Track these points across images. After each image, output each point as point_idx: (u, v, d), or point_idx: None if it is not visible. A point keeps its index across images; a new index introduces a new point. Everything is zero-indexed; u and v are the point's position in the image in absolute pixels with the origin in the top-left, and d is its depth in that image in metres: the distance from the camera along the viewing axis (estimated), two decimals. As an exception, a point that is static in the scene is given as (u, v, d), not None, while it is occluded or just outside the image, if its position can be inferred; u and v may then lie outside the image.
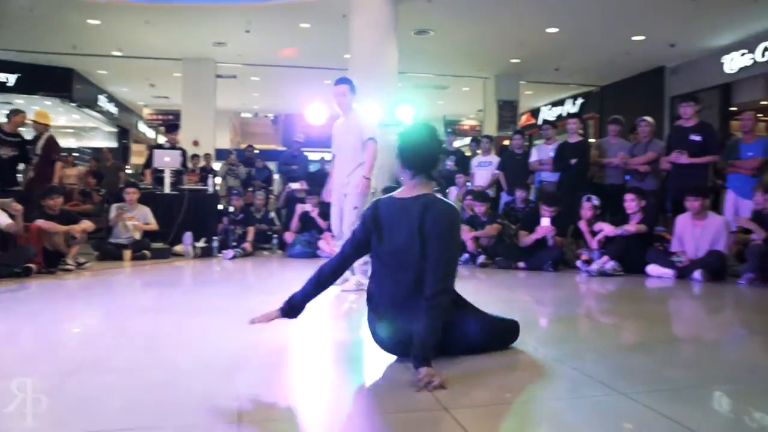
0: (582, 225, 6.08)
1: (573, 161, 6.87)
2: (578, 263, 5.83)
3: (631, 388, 2.11)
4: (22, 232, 5.48)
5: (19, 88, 13.17)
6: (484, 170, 8.02)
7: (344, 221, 4.73)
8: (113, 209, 7.14)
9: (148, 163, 8.54)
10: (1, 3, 9.28)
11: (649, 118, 6.91)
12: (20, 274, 5.24)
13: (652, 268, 5.52)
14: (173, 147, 8.59)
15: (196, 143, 12.37)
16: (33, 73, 13.11)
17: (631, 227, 5.64)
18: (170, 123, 10.82)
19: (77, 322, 3.65)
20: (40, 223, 5.70)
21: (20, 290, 4.71)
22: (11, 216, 5.41)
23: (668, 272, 5.36)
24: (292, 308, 2.51)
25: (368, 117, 5.11)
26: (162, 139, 14.26)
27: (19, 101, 14.39)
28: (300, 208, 7.86)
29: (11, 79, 12.97)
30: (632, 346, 3.01)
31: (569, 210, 6.50)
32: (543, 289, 4.97)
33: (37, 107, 15.39)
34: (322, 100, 10.00)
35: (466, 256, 6.61)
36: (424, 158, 2.51)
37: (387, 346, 2.50)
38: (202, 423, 1.82)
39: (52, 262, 5.72)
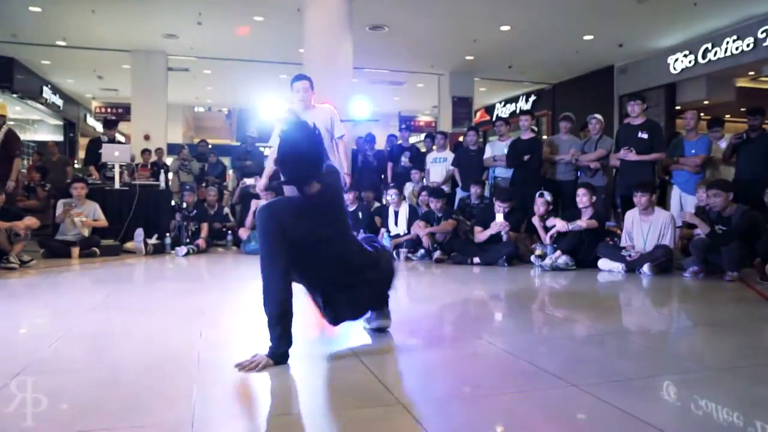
0: (535, 220, 6.20)
1: (526, 157, 6.97)
2: (532, 258, 5.93)
3: (583, 380, 2.15)
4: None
5: (-45, 77, 12.57)
6: (439, 166, 8.08)
7: None
8: (60, 205, 6.88)
9: (91, 158, 8.28)
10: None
11: (599, 116, 7.08)
12: (-41, 273, 5.02)
13: (603, 263, 5.67)
14: (112, 142, 8.36)
15: (147, 137, 12.07)
16: (-29, 63, 12.53)
17: (583, 222, 5.77)
18: (108, 119, 10.49)
19: (21, 322, 3.51)
20: (-19, 219, 5.47)
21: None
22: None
23: (618, 266, 5.51)
24: (284, 355, 2.39)
25: (335, 113, 5.03)
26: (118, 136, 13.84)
27: (-45, 91, 13.76)
28: (255, 204, 7.74)
29: (-54, 68, 12.36)
30: (584, 338, 3.08)
31: (522, 206, 6.61)
32: (497, 284, 5.04)
33: (-23, 98, 14.80)
34: (277, 94, 9.93)
35: (422, 251, 6.65)
36: (306, 174, 2.40)
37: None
38: (150, 424, 1.77)
39: (-6, 260, 5.49)
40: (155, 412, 1.88)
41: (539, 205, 6.20)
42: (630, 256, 5.48)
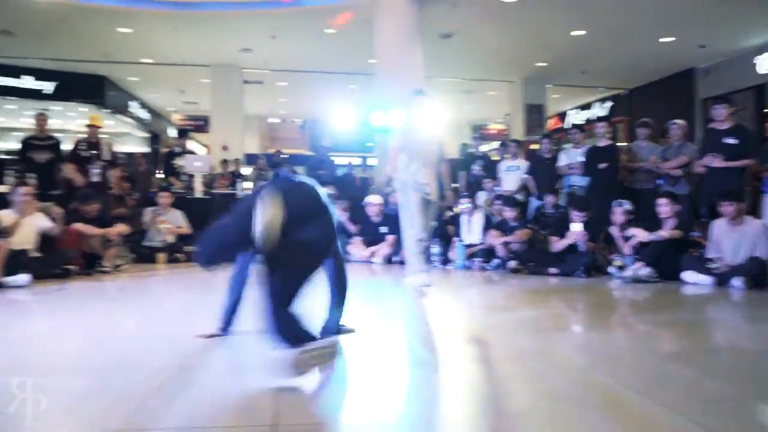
0: (614, 230, 5.99)
1: (603, 165, 6.78)
2: (611, 269, 5.73)
3: (669, 398, 2.06)
4: (62, 234, 5.62)
5: (56, 96, 13.48)
6: (512, 174, 7.95)
7: None
8: (147, 213, 7.27)
9: (167, 169, 8.65)
10: (39, 15, 9.49)
11: (680, 121, 6.79)
12: (60, 275, 5.39)
13: (689, 275, 5.39)
14: (184, 152, 8.69)
15: (225, 148, 12.51)
16: (69, 81, 13.41)
17: (665, 233, 5.53)
18: (180, 129, 11.00)
19: (116, 323, 3.71)
20: (78, 226, 5.85)
21: (61, 291, 4.82)
22: (52, 219, 5.56)
23: (706, 279, 5.23)
24: None
25: None
26: (193, 144, 14.44)
27: (57, 108, 14.73)
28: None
29: (49, 87, 13.28)
30: (669, 355, 2.95)
31: (600, 215, 6.41)
32: (575, 295, 4.90)
33: (73, 114, 15.83)
34: (347, 104, 10.08)
35: (496, 261, 6.56)
36: None
37: None
38: (230, 425, 1.83)
39: (90, 264, 5.86)
40: (238, 412, 1.94)
41: (618, 215, 5.99)
42: (717, 268, 5.21)
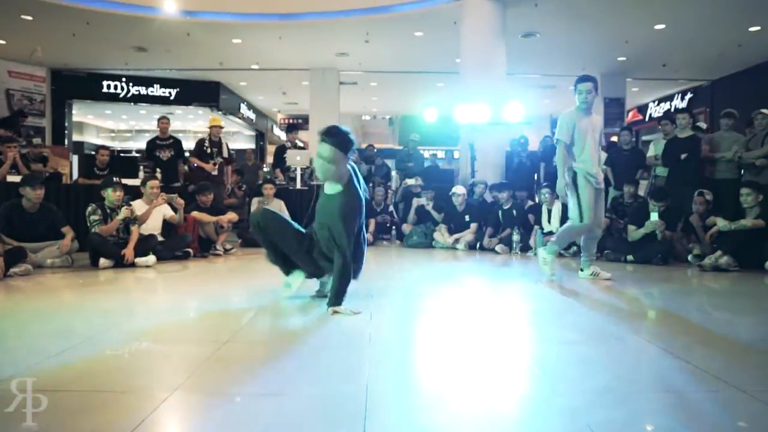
0: (694, 219, 5.63)
1: (683, 156, 6.36)
2: (690, 258, 5.40)
3: (748, 384, 1.92)
4: (183, 222, 5.98)
5: (177, 101, 14.35)
6: (592, 166, 7.62)
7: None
8: (254, 202, 7.58)
9: (277, 162, 8.95)
10: (167, 32, 10.12)
11: (766, 111, 6.25)
12: (180, 257, 5.75)
13: (772, 264, 5.00)
14: (294, 146, 8.93)
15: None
16: (188, 88, 14.21)
17: (748, 222, 5.13)
18: (290, 125, 11.32)
19: (227, 299, 3.92)
20: (195, 214, 6.19)
21: (181, 271, 5.14)
22: (174, 209, 5.93)
23: (788, 268, 4.82)
24: None
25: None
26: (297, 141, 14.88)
27: (178, 111, 15.72)
28: (416, 202, 7.92)
29: (172, 93, 14.14)
30: (749, 342, 2.74)
31: (679, 205, 6.04)
32: (653, 283, 4.65)
33: (192, 116, 16.75)
34: (434, 102, 10.03)
35: (574, 248, 6.35)
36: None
37: None
38: (326, 392, 1.89)
39: (205, 247, 6.20)
40: (332, 382, 2.00)
41: (698, 204, 5.63)
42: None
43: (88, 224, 5.15)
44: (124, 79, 13.73)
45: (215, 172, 7.69)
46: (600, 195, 4.55)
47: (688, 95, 14.27)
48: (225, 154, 7.84)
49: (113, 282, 4.44)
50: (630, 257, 5.76)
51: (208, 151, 7.65)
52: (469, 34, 8.55)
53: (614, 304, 3.75)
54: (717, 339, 2.77)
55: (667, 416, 1.73)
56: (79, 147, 16.18)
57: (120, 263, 5.01)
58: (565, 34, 10.23)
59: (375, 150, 11.51)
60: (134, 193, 6.00)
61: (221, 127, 8.05)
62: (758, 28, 9.58)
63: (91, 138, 19.59)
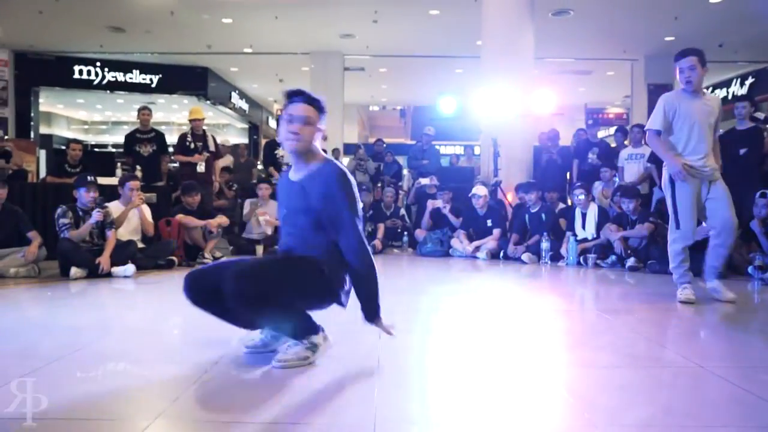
0: (755, 225, 5.58)
1: (742, 151, 6.32)
2: (750, 269, 5.35)
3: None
4: (151, 231, 5.97)
5: (160, 88, 14.48)
6: (635, 164, 7.59)
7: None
8: (247, 205, 7.61)
9: (268, 159, 8.95)
10: (146, 8, 10.19)
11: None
12: (163, 266, 5.78)
13: None
14: None
15: (324, 138, 12.81)
16: (172, 74, 14.34)
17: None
18: (280, 116, 11.35)
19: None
20: (180, 217, 6.23)
21: (163, 282, 5.17)
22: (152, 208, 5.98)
23: None
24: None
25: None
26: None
27: (161, 100, 15.84)
28: (431, 204, 7.91)
29: (154, 80, 14.25)
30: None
31: (738, 208, 5.99)
32: (705, 298, 4.61)
33: (176, 106, 16.87)
34: (452, 91, 10.02)
35: (613, 258, 6.32)
36: None
37: None
38: (331, 423, 1.89)
39: (191, 255, 6.25)
40: (336, 411, 2.00)
41: (761, 207, 5.58)
42: None
43: (58, 228, 5.19)
44: (98, 64, 13.84)
45: (201, 168, 7.67)
46: (716, 192, 4.24)
47: (749, 80, 14.17)
48: (212, 147, 7.84)
49: (86, 295, 4.47)
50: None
51: (192, 146, 7.66)
52: (492, 12, 8.55)
53: (660, 322, 3.73)
54: (781, 364, 2.74)
55: (722, 453, 1.72)
56: (47, 141, 16.34)
57: (94, 273, 5.05)
58: (604, 11, 10.21)
59: (384, 145, 11.55)
60: (112, 194, 6.03)
61: (203, 119, 7.99)
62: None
63: (61, 131, 19.78)
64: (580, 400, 2.11)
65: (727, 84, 14.89)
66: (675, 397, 2.24)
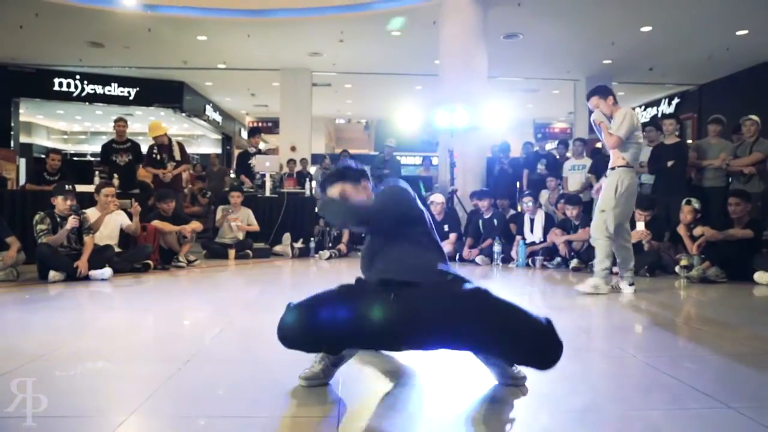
0: (681, 229, 5.75)
1: (670, 163, 6.51)
2: (677, 269, 5.51)
3: (738, 401, 1.97)
4: (138, 232, 5.90)
5: (137, 101, 14.20)
6: (578, 174, 7.76)
7: None
8: (219, 211, 7.52)
9: (241, 169, 8.81)
10: (126, 27, 10.01)
11: (754, 117, 6.44)
12: (140, 269, 5.67)
13: (760, 276, 5.12)
14: (258, 151, 8.83)
15: (293, 148, 12.78)
16: (149, 87, 14.08)
17: (736, 232, 5.26)
18: (251, 127, 11.23)
19: (189, 315, 3.87)
20: (156, 223, 6.12)
21: (140, 284, 5.06)
22: (130, 216, 5.85)
23: (778, 280, 4.96)
24: None
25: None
26: (263, 146, 14.79)
27: (138, 112, 15.55)
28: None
29: (132, 92, 13.97)
30: (738, 357, 2.81)
31: (665, 213, 6.17)
32: (639, 295, 4.73)
33: (153, 117, 16.60)
34: (412, 106, 10.09)
35: (558, 259, 6.44)
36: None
37: None
38: (296, 414, 1.88)
39: (166, 259, 6.13)
40: (303, 405, 1.99)
41: (686, 213, 5.75)
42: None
43: (36, 234, 5.05)
44: (78, 77, 13.52)
45: (167, 180, 7.45)
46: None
47: (676, 100, 14.63)
48: (177, 157, 7.63)
49: (64, 297, 4.35)
50: (615, 269, 5.84)
51: (158, 158, 7.50)
52: (448, 35, 8.64)
53: (599, 317, 3.81)
54: (705, 353, 2.83)
55: (652, 435, 1.76)
56: (27, 150, 15.89)
57: (72, 276, 4.92)
58: (549, 36, 10.42)
59: (350, 156, 11.51)
60: (89, 201, 5.90)
61: (163, 134, 7.58)
62: (746, 32, 9.90)
63: (42, 140, 19.24)
64: (527, 389, 2.13)
65: (656, 103, 15.33)
66: (611, 385, 2.29)
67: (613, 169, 4.66)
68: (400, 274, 2.11)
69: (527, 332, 2.03)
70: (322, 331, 2.06)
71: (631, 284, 4.72)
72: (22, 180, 9.18)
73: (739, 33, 9.98)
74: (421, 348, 2.18)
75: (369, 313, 2.01)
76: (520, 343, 2.02)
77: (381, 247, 2.27)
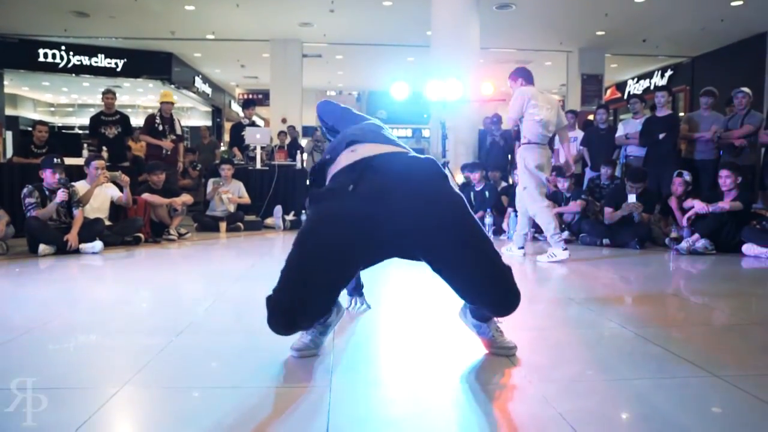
0: (672, 202, 5.78)
1: (661, 135, 6.52)
2: (667, 241, 5.56)
3: (723, 370, 2.00)
4: (130, 203, 5.86)
5: (125, 72, 13.94)
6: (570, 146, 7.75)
7: None
8: (210, 184, 7.47)
9: (234, 141, 8.79)
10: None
11: (746, 89, 6.43)
12: (131, 242, 5.66)
13: (748, 248, 5.17)
14: (252, 123, 8.76)
15: (284, 121, 12.67)
16: (137, 58, 13.82)
17: (726, 204, 5.29)
18: (246, 100, 11.12)
19: (181, 287, 3.87)
20: (146, 196, 6.08)
21: (131, 257, 5.05)
22: (120, 189, 5.81)
23: (766, 252, 5.01)
24: None
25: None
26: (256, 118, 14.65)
27: (126, 84, 15.30)
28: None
29: (119, 64, 13.74)
30: (724, 327, 2.85)
31: (656, 186, 6.20)
32: (628, 267, 4.78)
33: (141, 89, 16.35)
34: (404, 77, 9.99)
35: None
36: None
37: None
38: (286, 385, 1.90)
39: (157, 232, 6.11)
40: (293, 375, 2.01)
41: (677, 186, 5.77)
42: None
43: (24, 208, 5.01)
44: (63, 48, 13.23)
45: (168, 149, 7.50)
46: None
47: (668, 72, 14.57)
48: (178, 131, 7.68)
49: (55, 270, 4.34)
50: (606, 241, 5.89)
51: (160, 128, 7.48)
52: (441, 5, 8.53)
53: (589, 288, 3.85)
54: (693, 324, 2.87)
55: (640, 403, 1.79)
56: (13, 122, 15.64)
57: (63, 250, 4.90)
58: (542, 6, 10.30)
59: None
60: (78, 174, 5.84)
61: (173, 103, 7.84)
62: (740, 2, 9.80)
63: (28, 112, 18.95)
64: (517, 359, 2.16)
65: (649, 75, 15.26)
66: (599, 355, 2.32)
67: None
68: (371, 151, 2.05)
69: (494, 265, 1.97)
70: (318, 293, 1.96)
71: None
72: (9, 153, 9.06)
73: (734, 3, 9.90)
74: (401, 247, 2.00)
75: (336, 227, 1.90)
76: (487, 274, 1.96)
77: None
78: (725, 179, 5.40)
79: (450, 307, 3.01)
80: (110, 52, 13.58)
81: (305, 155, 10.48)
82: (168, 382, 1.94)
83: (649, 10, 10.34)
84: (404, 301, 3.42)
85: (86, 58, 13.48)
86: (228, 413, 1.66)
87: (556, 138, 7.91)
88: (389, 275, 3.97)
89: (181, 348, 2.28)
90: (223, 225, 7.08)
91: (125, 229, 5.70)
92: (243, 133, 8.44)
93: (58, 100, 20.56)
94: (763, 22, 10.84)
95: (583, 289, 3.85)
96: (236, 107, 20.36)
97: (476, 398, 1.83)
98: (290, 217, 7.56)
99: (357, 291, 2.91)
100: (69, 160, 5.83)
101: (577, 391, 1.88)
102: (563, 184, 6.47)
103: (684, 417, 1.68)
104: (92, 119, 7.52)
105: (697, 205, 5.44)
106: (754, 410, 1.71)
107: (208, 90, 17.39)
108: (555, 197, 6.54)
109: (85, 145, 7.75)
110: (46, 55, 13.20)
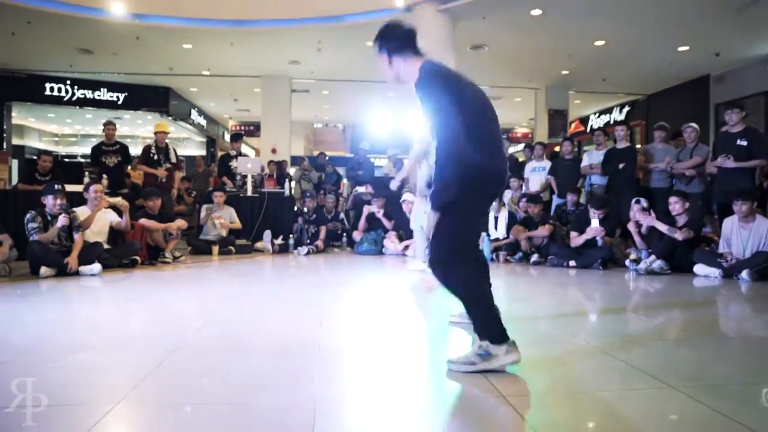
0: (631, 226, 5.87)
1: (621, 165, 6.64)
2: (627, 262, 5.63)
3: (679, 381, 2.02)
4: (129, 228, 5.79)
5: (126, 105, 13.88)
6: (538, 175, 7.85)
7: None
8: (204, 210, 7.42)
9: (222, 170, 8.70)
10: (114, 35, 9.81)
11: (694, 125, 6.59)
12: (128, 265, 5.57)
13: (699, 268, 5.26)
14: (239, 154, 8.71)
15: (274, 151, 12.68)
16: (137, 92, 13.78)
17: (679, 235, 5.38)
18: (234, 134, 11.11)
19: (175, 308, 3.81)
20: (143, 221, 6.01)
21: (128, 279, 4.97)
22: (119, 213, 5.74)
23: (715, 271, 5.10)
24: None
25: None
26: (245, 149, 14.60)
27: (127, 116, 15.24)
28: (366, 209, 7.91)
29: (121, 97, 13.68)
30: (679, 341, 2.88)
31: (617, 212, 6.29)
32: (593, 286, 4.82)
33: (141, 121, 16.26)
34: (386, 111, 10.08)
35: (520, 254, 6.51)
36: None
37: None
38: (277, 401, 1.87)
39: (153, 255, 6.03)
40: (281, 391, 1.97)
41: (635, 212, 5.86)
42: (727, 261, 5.05)
43: (27, 232, 4.92)
44: (68, 82, 13.18)
45: (163, 177, 7.43)
46: None
47: (626, 108, 14.88)
48: (173, 159, 7.62)
49: (55, 291, 4.25)
50: (572, 262, 5.94)
51: (155, 157, 7.42)
52: (418, 45, 8.65)
53: (556, 306, 3.86)
54: (652, 338, 2.89)
55: (604, 414, 1.80)
56: (19, 151, 15.44)
57: (63, 272, 4.81)
58: (512, 48, 10.51)
59: (327, 158, 11.47)
60: (79, 200, 5.77)
61: (167, 133, 7.76)
62: (686, 48, 10.12)
63: (33, 142, 18.73)
64: (491, 375, 2.15)
65: (609, 111, 15.57)
66: (569, 370, 2.32)
67: None
68: None
69: None
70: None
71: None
72: (15, 180, 8.92)
73: (681, 49, 10.21)
74: None
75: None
76: None
77: None
78: (674, 205, 5.52)
79: (422, 322, 3.00)
80: (112, 87, 13.54)
81: (293, 183, 10.47)
82: (161, 399, 1.90)
83: (608, 53, 10.62)
84: (384, 313, 3.40)
85: (90, 91, 13.43)
86: (219, 429, 1.62)
87: (527, 167, 8.07)
88: (366, 290, 3.96)
89: (173, 366, 2.24)
90: (215, 248, 7.02)
91: (123, 252, 5.62)
92: (230, 163, 8.41)
93: (62, 131, 20.39)
94: (706, 65, 11.21)
95: (551, 307, 3.86)
96: (228, 138, 20.33)
97: (450, 412, 1.81)
98: (278, 241, 7.52)
99: None
100: (71, 187, 5.75)
101: (547, 404, 1.88)
102: (533, 210, 6.54)
103: (645, 427, 1.69)
104: (94, 149, 7.45)
105: (658, 224, 5.53)
106: (712, 418, 1.72)
107: (203, 122, 17.36)
108: (526, 222, 6.60)
109: (87, 173, 7.66)
110: (52, 89, 13.13)
